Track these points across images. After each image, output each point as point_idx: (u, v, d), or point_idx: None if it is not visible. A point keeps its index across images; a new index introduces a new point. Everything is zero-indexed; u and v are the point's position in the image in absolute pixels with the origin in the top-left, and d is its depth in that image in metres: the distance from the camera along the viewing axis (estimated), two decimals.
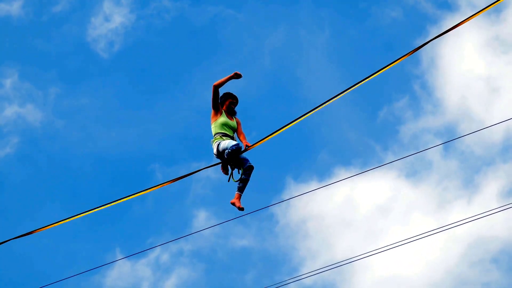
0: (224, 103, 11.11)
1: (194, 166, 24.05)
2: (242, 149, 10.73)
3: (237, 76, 10.72)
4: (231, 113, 11.14)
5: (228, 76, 10.74)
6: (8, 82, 24.53)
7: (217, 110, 10.98)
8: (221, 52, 25.10)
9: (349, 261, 10.98)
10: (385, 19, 25.96)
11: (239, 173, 10.85)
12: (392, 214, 22.88)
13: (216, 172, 23.77)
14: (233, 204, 10.84)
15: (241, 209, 10.81)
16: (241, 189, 10.87)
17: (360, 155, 23.95)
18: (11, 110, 24.10)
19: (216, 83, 10.80)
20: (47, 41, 25.93)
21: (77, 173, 23.85)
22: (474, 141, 24.03)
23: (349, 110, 24.91)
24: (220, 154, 10.82)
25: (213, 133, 10.97)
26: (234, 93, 11.19)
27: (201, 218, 22.91)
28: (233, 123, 11.04)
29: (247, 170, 10.84)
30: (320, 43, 25.92)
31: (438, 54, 25.35)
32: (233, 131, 11.03)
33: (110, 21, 25.39)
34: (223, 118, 10.98)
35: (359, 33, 26.16)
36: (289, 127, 10.16)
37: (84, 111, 25.03)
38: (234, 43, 25.91)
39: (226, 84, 10.86)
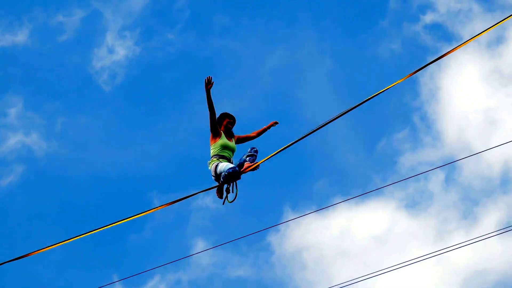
0: (222, 123, 11.03)
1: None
2: (238, 172, 10.61)
3: (208, 84, 10.52)
4: (229, 134, 11.06)
5: (205, 92, 10.54)
6: (13, 111, 24.64)
7: (215, 133, 10.87)
8: (220, 73, 25.20)
9: (343, 284, 10.94)
10: (384, 51, 26.08)
11: (233, 192, 10.72)
12: (390, 245, 22.83)
13: (214, 202, 23.88)
14: (245, 169, 10.62)
15: (257, 166, 10.61)
16: (251, 161, 10.69)
17: (359, 185, 23.93)
18: (15, 139, 24.18)
19: (207, 107, 10.63)
20: (52, 71, 26.09)
21: (81, 201, 23.84)
22: (473, 175, 24.06)
23: (348, 141, 24.96)
24: (217, 176, 10.74)
25: (211, 155, 10.87)
26: (231, 114, 11.12)
27: (199, 247, 22.85)
28: (232, 144, 10.95)
29: (253, 148, 10.77)
30: (320, 65, 26.06)
31: (438, 86, 25.44)
32: (232, 153, 10.94)
33: (114, 53, 25.55)
34: (222, 140, 10.87)
35: (358, 61, 26.29)
36: (288, 147, 10.09)
37: (84, 132, 25.13)
38: (234, 64, 26.00)
39: (227, 109, 10.93)
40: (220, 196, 10.79)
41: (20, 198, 23.91)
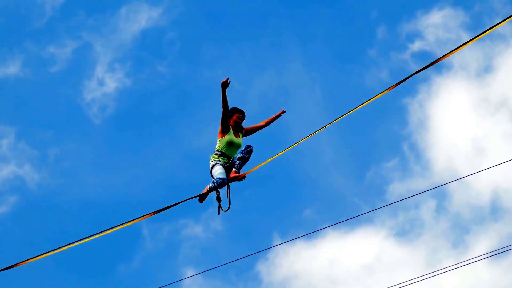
0: (231, 117, 11.14)
1: (181, 223, 24.11)
2: (225, 184, 10.74)
3: (224, 85, 10.65)
4: (237, 128, 11.19)
5: (221, 91, 10.68)
6: (4, 142, 24.69)
7: (224, 129, 11.00)
8: (208, 96, 25.34)
9: None
10: (372, 79, 26.21)
11: (227, 196, 10.86)
12: (379, 274, 22.78)
13: (204, 231, 23.83)
14: (232, 179, 10.81)
15: (243, 177, 10.81)
16: (238, 168, 10.92)
17: (348, 214, 23.92)
18: (7, 170, 24.19)
19: (221, 104, 10.79)
20: (44, 102, 26.18)
21: (73, 230, 23.76)
22: (463, 203, 24.09)
23: (338, 169, 24.99)
24: (211, 175, 10.94)
25: (215, 148, 11.06)
26: (241, 108, 11.25)
27: (190, 278, 22.74)
28: (238, 140, 11.06)
29: (247, 148, 10.98)
30: (308, 92, 26.16)
31: (427, 115, 25.53)
32: (237, 149, 11.06)
33: (104, 85, 25.66)
34: (229, 137, 11.02)
35: (345, 89, 26.40)
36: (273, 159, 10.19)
37: (75, 162, 25.16)
38: (220, 83, 26.02)
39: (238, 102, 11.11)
40: (201, 201, 10.89)
41: (13, 228, 23.90)
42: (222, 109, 10.83)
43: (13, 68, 25.50)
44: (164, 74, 26.41)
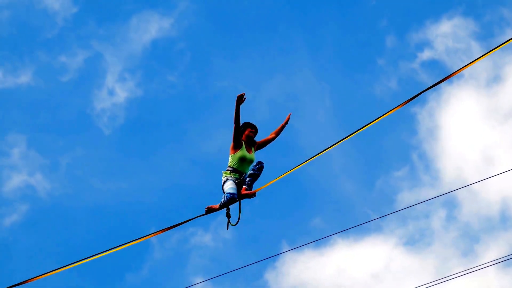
0: (243, 132, 11.15)
1: (190, 231, 24.14)
2: (236, 200, 10.79)
3: (239, 99, 10.69)
4: (250, 143, 11.21)
5: (235, 106, 10.74)
6: (16, 151, 24.78)
7: (236, 144, 11.03)
8: (217, 102, 25.40)
9: None
10: (381, 88, 26.20)
11: (239, 212, 10.88)
12: (388, 283, 22.76)
13: (214, 240, 23.85)
14: (243, 196, 10.83)
15: (253, 194, 10.83)
16: (249, 185, 10.92)
17: (358, 223, 23.89)
18: (19, 179, 24.27)
19: (233, 119, 10.83)
20: (55, 111, 26.27)
21: (84, 239, 23.82)
22: (472, 212, 24.08)
23: (347, 178, 24.99)
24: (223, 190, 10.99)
25: (228, 164, 11.08)
26: (253, 123, 11.25)
27: (198, 285, 22.75)
28: (250, 156, 11.07)
29: (258, 165, 11.01)
30: (317, 101, 26.18)
31: (436, 124, 25.53)
32: (250, 164, 11.08)
33: (114, 95, 25.74)
34: (241, 152, 11.05)
35: (355, 98, 26.41)
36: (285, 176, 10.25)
37: (86, 171, 25.22)
38: (229, 93, 26.18)
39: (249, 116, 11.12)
40: (207, 213, 10.91)
41: (24, 237, 23.96)
42: (234, 125, 10.86)
43: (24, 77, 25.64)
44: (174, 84, 26.49)
